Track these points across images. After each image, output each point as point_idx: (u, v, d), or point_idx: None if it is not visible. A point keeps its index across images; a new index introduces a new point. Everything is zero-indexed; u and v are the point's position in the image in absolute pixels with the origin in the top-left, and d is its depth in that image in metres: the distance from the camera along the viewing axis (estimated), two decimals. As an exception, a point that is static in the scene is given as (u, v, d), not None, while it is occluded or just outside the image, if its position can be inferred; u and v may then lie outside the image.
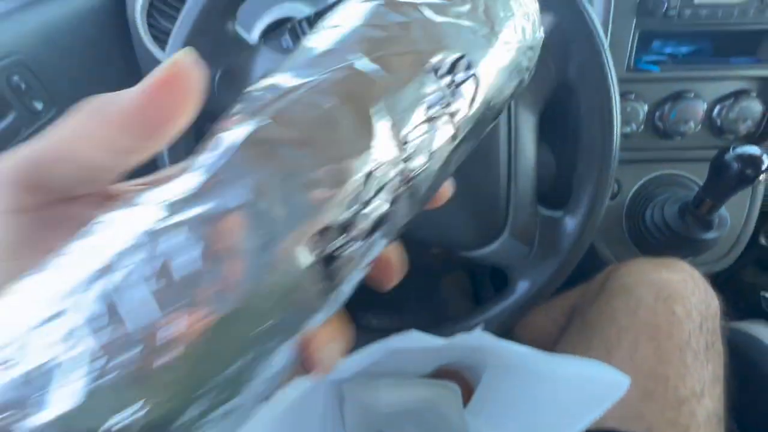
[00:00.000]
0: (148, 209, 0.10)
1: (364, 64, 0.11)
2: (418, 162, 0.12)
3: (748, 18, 0.49)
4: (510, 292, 0.39)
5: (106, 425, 0.08)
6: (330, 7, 0.33)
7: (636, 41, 0.50)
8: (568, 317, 0.53)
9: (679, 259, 0.58)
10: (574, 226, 0.36)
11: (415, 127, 0.12)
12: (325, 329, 0.12)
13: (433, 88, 0.12)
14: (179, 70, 0.11)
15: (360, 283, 0.12)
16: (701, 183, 0.59)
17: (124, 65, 0.60)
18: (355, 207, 0.11)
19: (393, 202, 0.12)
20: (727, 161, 0.43)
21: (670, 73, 0.52)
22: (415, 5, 0.12)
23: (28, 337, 0.08)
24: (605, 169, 0.34)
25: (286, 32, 0.33)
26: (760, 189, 0.57)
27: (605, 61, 0.32)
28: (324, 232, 0.10)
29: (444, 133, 0.12)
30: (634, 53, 0.51)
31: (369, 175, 0.11)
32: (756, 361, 0.56)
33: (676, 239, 0.52)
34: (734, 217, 0.56)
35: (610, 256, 0.59)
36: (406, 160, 0.12)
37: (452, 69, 0.12)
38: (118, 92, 0.11)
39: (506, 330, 0.43)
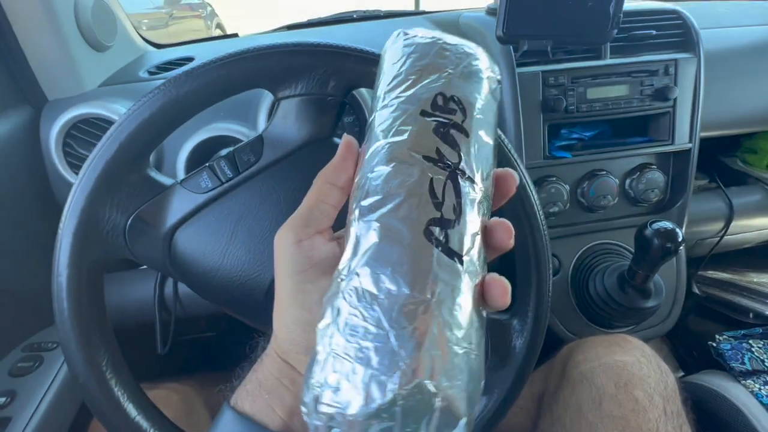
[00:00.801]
0: (363, 278, 0.17)
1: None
2: (457, 158, 0.19)
3: (633, 107, 0.56)
4: None
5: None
6: (252, 142, 0.32)
7: (546, 132, 0.55)
8: (537, 404, 0.51)
9: (628, 326, 0.60)
10: (524, 329, 0.35)
11: (442, 149, 0.19)
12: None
13: (433, 121, 0.20)
14: (349, 143, 0.21)
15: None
16: (629, 248, 0.63)
17: (36, 191, 0.56)
18: (455, 214, 0.18)
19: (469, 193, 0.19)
20: (648, 237, 0.46)
21: (581, 157, 0.57)
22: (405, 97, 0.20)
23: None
24: (542, 270, 0.35)
25: (204, 172, 0.32)
26: (682, 249, 0.62)
27: (523, 173, 0.34)
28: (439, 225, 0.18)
29: (459, 134, 0.20)
30: (547, 142, 0.56)
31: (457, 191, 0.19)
32: (723, 418, 0.56)
33: (621, 310, 0.53)
34: (667, 278, 0.60)
35: (563, 329, 0.60)
36: (455, 166, 0.19)
37: (435, 103, 0.20)
38: (332, 161, 0.22)
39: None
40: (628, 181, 0.59)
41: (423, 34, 0.22)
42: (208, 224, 0.31)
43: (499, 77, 0.23)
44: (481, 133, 0.21)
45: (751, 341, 0.66)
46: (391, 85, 0.21)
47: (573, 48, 0.54)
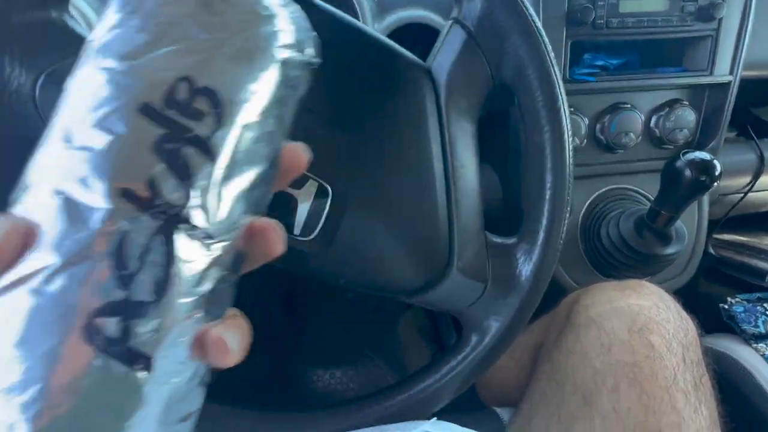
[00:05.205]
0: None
1: None
2: (184, 198, 0.12)
3: (672, 26, 0.48)
4: (467, 343, 0.31)
5: None
6: None
7: (569, 52, 0.48)
8: (534, 357, 0.47)
9: (640, 278, 0.55)
10: (532, 254, 0.30)
11: (159, 181, 0.12)
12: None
13: (157, 129, 0.13)
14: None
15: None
16: (649, 195, 0.57)
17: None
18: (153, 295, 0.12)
19: None
20: (679, 169, 0.40)
21: (605, 84, 0.50)
22: None
23: None
24: (559, 183, 0.29)
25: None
26: (706, 197, 0.56)
27: (546, 57, 0.27)
28: None
29: (199, 156, 0.13)
30: (568, 64, 0.48)
31: None
32: (733, 381, 0.53)
33: (635, 257, 0.48)
34: (686, 226, 0.54)
35: (569, 280, 0.55)
36: (177, 212, 0.12)
37: (171, 95, 0.13)
38: None
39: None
40: (654, 118, 0.52)
41: None
42: None
43: (310, 59, 0.15)
44: (244, 154, 0.13)
45: (766, 304, 0.62)
46: (106, 41, 0.12)
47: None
